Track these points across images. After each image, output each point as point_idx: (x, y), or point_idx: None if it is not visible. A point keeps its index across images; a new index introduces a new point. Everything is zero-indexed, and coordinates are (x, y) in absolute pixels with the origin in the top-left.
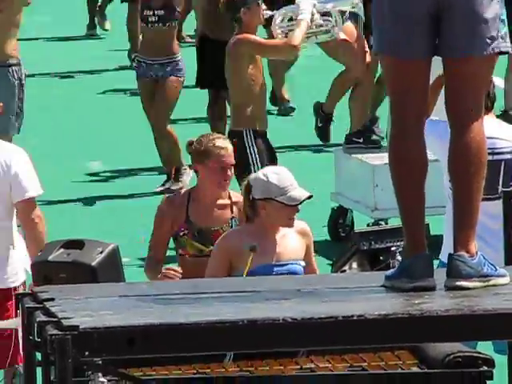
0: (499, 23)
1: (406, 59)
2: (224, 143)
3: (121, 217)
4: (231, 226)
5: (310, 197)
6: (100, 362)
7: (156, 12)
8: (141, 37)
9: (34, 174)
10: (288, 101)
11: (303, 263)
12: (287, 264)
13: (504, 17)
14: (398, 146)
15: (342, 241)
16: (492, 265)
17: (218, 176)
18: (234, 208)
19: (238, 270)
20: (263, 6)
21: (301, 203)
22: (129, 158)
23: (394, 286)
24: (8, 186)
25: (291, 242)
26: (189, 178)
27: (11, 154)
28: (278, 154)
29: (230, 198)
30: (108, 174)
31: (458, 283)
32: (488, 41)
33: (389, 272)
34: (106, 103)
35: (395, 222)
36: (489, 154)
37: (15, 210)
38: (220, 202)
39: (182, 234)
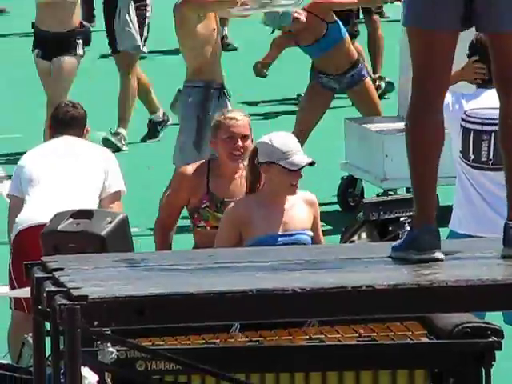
0: None
1: (434, 29)
2: (234, 114)
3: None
4: None
5: (311, 163)
6: (109, 332)
7: None
8: None
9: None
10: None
11: (311, 233)
12: (295, 234)
13: None
14: (417, 118)
15: (351, 210)
16: None
17: (227, 146)
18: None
19: (248, 239)
20: None
21: (301, 169)
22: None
23: (401, 257)
24: (101, 183)
25: (299, 212)
26: None
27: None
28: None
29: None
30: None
31: None
32: None
33: (396, 243)
34: None
35: (404, 192)
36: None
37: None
38: (238, 174)
39: (203, 206)
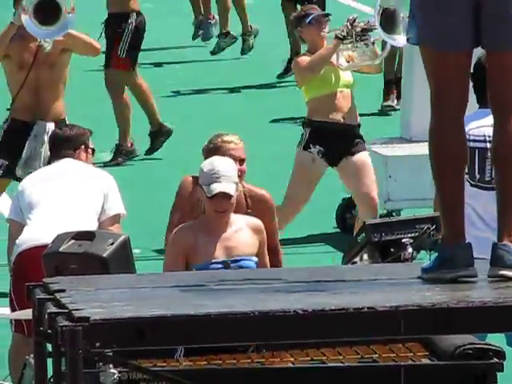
0: None
1: (449, 51)
2: (231, 138)
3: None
4: None
5: (226, 194)
6: (111, 354)
7: None
8: None
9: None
10: None
11: (255, 259)
12: (239, 260)
13: None
14: (441, 132)
15: (351, 232)
16: None
17: None
18: (249, 200)
19: (192, 265)
20: None
21: (214, 196)
22: None
23: (434, 278)
24: (101, 205)
25: (244, 237)
26: None
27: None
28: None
29: (243, 192)
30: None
31: (502, 272)
32: None
33: (426, 264)
34: None
35: (407, 213)
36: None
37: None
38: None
39: None
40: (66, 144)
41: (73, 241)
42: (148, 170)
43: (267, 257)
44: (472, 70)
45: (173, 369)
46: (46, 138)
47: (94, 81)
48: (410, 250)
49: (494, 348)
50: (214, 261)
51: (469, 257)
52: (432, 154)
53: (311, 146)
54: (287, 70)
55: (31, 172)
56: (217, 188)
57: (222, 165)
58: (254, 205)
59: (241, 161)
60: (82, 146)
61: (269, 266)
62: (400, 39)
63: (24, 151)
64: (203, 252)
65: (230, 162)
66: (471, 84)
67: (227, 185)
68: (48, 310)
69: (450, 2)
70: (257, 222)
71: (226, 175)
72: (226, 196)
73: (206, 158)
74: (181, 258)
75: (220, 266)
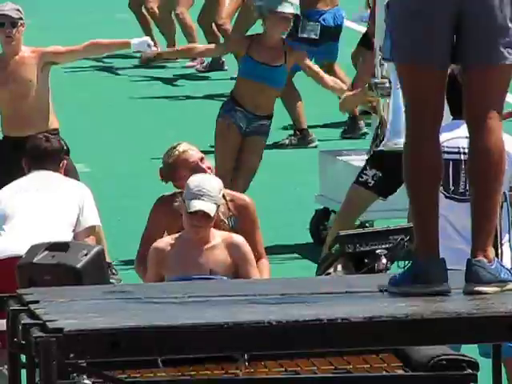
0: None
1: (424, 66)
2: (184, 147)
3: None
4: (231, 224)
5: (204, 212)
6: (85, 365)
7: None
8: None
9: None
10: None
11: (224, 278)
12: (202, 278)
13: None
14: (415, 144)
15: (324, 243)
16: (508, 270)
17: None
18: (230, 205)
19: (166, 278)
20: None
21: (195, 213)
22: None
23: (407, 292)
24: (76, 217)
25: (216, 255)
26: None
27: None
28: (263, 155)
29: (224, 197)
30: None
31: (477, 288)
32: (509, 50)
33: (396, 277)
34: None
35: (381, 224)
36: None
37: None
38: None
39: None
40: (45, 156)
41: (47, 252)
42: None
43: (253, 273)
44: None
45: (147, 380)
46: None
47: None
48: (384, 260)
49: (467, 359)
50: (179, 276)
51: (443, 272)
52: (407, 165)
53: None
54: None
55: None
56: (197, 206)
57: (208, 184)
58: (235, 210)
59: (201, 159)
60: (60, 159)
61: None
62: None
63: None
64: (174, 267)
65: (218, 182)
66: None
67: (208, 204)
68: (22, 321)
69: (427, 16)
70: (232, 237)
71: (209, 194)
72: (204, 215)
73: (170, 177)
74: (156, 270)
75: (186, 281)
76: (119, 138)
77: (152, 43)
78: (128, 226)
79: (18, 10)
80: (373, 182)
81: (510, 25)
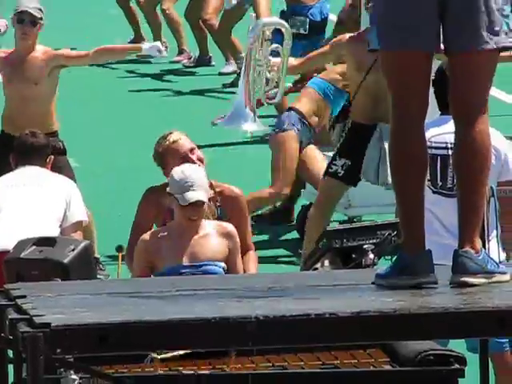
0: (502, 18)
1: (408, 51)
2: (175, 136)
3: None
4: (218, 216)
5: (201, 202)
6: (72, 360)
7: None
8: None
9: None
10: None
11: (222, 264)
12: (202, 265)
13: (508, 12)
14: (400, 142)
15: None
16: (495, 261)
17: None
18: (219, 196)
19: (159, 269)
20: None
21: (191, 205)
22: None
23: (394, 284)
24: (63, 212)
25: (210, 243)
26: None
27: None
28: (251, 152)
29: (212, 187)
30: None
31: (464, 279)
32: (490, 35)
33: (383, 270)
34: None
35: (368, 219)
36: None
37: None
38: None
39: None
40: (31, 152)
41: (34, 247)
42: None
43: (240, 265)
44: (434, 77)
45: (135, 375)
46: None
47: None
48: (371, 256)
49: (455, 354)
50: (177, 265)
51: (429, 263)
52: (393, 154)
53: None
54: None
55: None
56: (194, 197)
57: (194, 173)
58: (223, 201)
59: (192, 150)
60: (46, 155)
61: (241, 271)
62: None
63: None
64: (168, 258)
65: (201, 169)
66: (433, 90)
67: (201, 193)
68: (9, 316)
69: (414, 4)
70: (227, 227)
71: (199, 183)
72: (200, 204)
73: (162, 165)
74: (145, 263)
75: (184, 270)
76: (118, 133)
77: (163, 48)
78: (128, 219)
79: (40, 9)
80: (342, 171)
81: (491, 9)
